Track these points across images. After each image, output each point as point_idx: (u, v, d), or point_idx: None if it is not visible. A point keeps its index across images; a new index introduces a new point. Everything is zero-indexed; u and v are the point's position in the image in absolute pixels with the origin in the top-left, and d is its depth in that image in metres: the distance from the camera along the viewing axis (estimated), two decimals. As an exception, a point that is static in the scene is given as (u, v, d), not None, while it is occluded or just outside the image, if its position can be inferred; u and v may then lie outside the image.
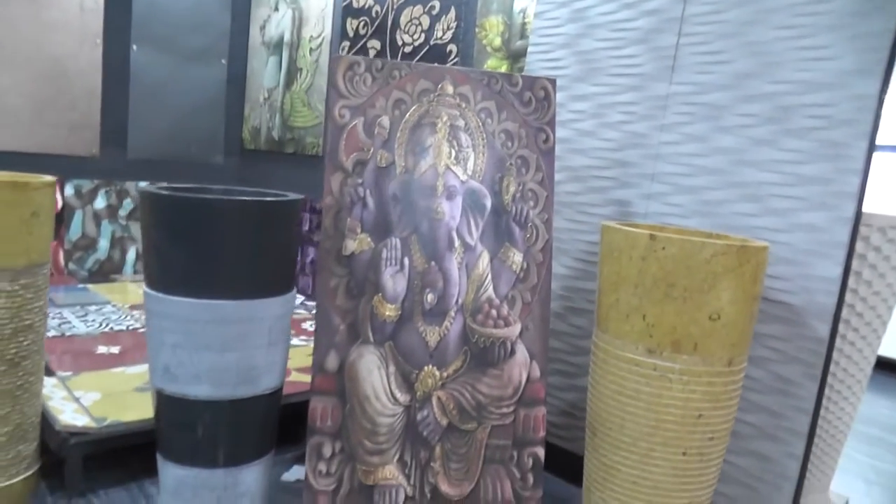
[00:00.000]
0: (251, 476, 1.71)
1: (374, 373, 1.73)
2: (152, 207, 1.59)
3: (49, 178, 1.74)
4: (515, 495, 1.77)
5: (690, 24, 1.98)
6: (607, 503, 1.69)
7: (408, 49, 2.81)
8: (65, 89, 3.27)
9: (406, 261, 1.76)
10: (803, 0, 1.79)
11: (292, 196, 1.69)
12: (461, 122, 1.83)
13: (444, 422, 1.75)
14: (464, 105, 1.84)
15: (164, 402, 1.65)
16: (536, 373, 1.80)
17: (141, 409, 1.93)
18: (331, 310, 1.73)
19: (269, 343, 1.66)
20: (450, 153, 1.81)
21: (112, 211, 3.46)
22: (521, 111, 1.87)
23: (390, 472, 1.72)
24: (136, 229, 3.55)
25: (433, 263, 1.77)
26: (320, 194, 3.18)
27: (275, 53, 3.50)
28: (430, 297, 1.77)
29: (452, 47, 2.65)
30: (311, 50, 3.27)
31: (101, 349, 2.44)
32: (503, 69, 2.53)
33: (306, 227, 3.36)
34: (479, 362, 1.78)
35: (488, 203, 1.82)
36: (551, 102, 1.89)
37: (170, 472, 1.68)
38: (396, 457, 1.73)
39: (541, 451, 1.80)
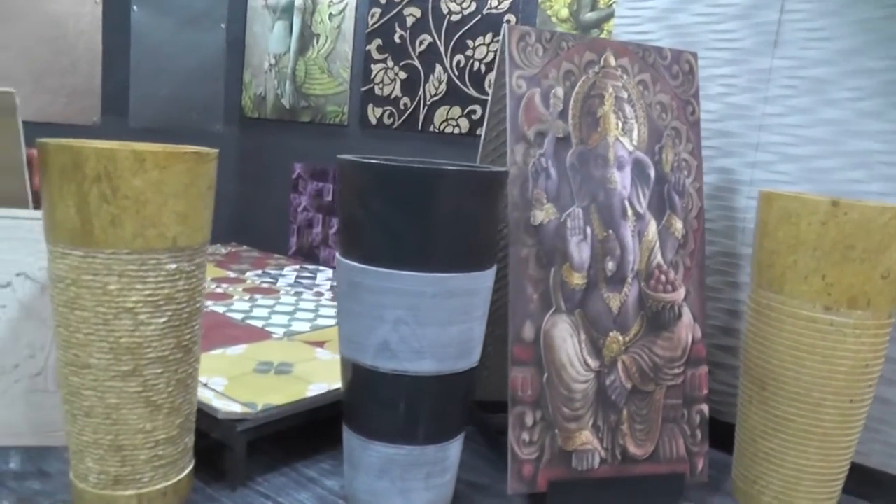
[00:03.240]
0: (455, 450, 1.71)
1: (567, 341, 1.77)
2: (377, 179, 1.52)
3: (213, 150, 1.62)
4: (687, 451, 1.88)
5: (793, 2, 2.13)
6: (777, 452, 1.83)
7: (455, 17, 2.78)
8: (64, 51, 2.93)
9: (588, 230, 1.81)
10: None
11: (501, 168, 1.68)
12: (624, 94, 1.89)
13: (629, 385, 1.82)
14: (625, 77, 1.89)
15: (377, 381, 1.60)
16: (698, 333, 1.91)
17: (281, 392, 1.84)
18: (524, 280, 1.74)
19: (482, 315, 1.65)
20: (617, 124, 1.86)
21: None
22: (671, 84, 1.95)
23: (586, 437, 1.77)
24: None
25: (610, 232, 1.83)
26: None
27: (283, 18, 3.31)
28: (610, 265, 1.82)
29: (511, 17, 2.66)
30: (330, 15, 3.13)
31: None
32: (571, 40, 2.58)
33: (330, 198, 3.24)
34: (654, 326, 1.86)
35: (652, 173, 1.89)
36: (695, 76, 1.98)
37: (375, 452, 1.64)
38: (591, 422, 1.78)
39: (706, 408, 1.91)
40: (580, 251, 1.79)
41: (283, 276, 3.05)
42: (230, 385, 1.90)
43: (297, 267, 3.23)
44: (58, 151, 1.43)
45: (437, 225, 1.52)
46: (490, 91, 1.96)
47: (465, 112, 2.81)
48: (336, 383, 1.92)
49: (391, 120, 3.03)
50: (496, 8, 2.67)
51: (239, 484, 1.74)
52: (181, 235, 1.51)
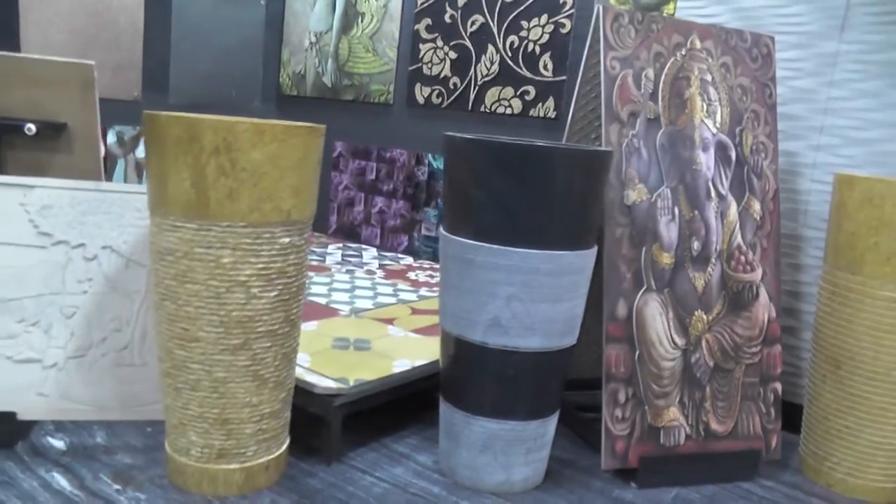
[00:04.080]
0: (552, 426, 1.73)
1: (657, 319, 1.79)
2: (494, 157, 1.53)
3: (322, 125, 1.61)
4: (762, 429, 1.91)
5: (861, -11, 2.15)
6: (851, 430, 1.87)
7: (509, -2, 2.78)
8: (108, 25, 2.89)
9: (676, 210, 1.82)
10: None
11: (607, 148, 1.69)
12: (708, 77, 1.90)
13: (712, 363, 1.85)
14: (709, 60, 1.91)
15: (486, 357, 1.61)
16: (773, 313, 1.94)
17: (369, 368, 1.84)
18: (618, 259, 1.76)
19: (584, 293, 1.67)
20: (702, 106, 1.88)
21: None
22: (751, 66, 1.97)
23: (674, 414, 1.80)
24: None
25: (696, 213, 1.85)
26: (385, 143, 3.09)
27: (325, -4, 3.29)
28: (695, 245, 1.84)
29: (566, -1, 2.66)
30: (377, -6, 3.12)
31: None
32: (629, 22, 2.58)
33: (373, 176, 3.23)
34: (734, 306, 1.89)
35: (734, 155, 1.91)
36: (773, 59, 2.00)
37: (478, 427, 1.66)
38: (678, 399, 1.81)
39: (779, 386, 1.95)
40: (669, 231, 1.81)
41: (329, 254, 3.04)
42: (314, 361, 1.89)
43: (341, 245, 3.23)
44: (173, 124, 1.42)
45: (551, 202, 1.53)
46: (580, 71, 1.96)
47: (517, 93, 2.81)
48: (419, 360, 1.92)
49: (440, 99, 3.02)
50: (552, -13, 2.67)
51: (333, 459, 1.75)
52: (294, 209, 1.51)
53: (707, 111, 1.88)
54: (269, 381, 1.57)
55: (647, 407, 1.77)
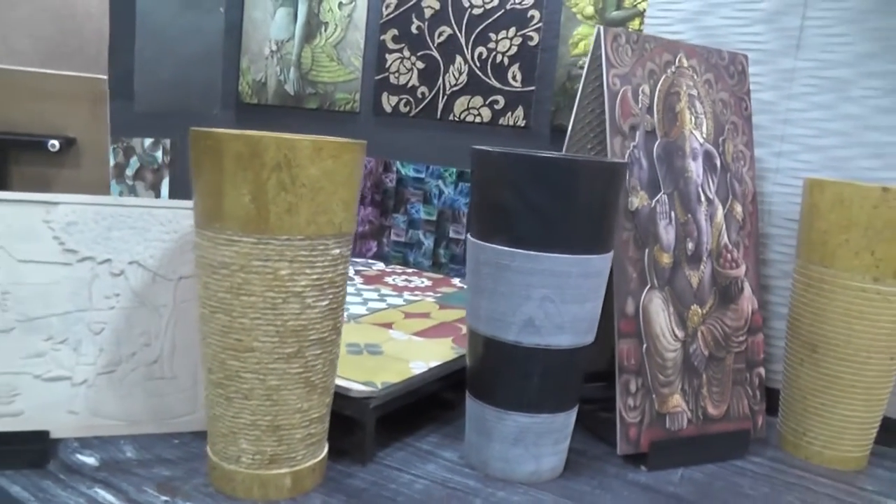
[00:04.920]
0: (573, 417, 1.86)
1: (660, 314, 1.95)
2: (531, 169, 1.64)
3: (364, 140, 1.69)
4: (750, 410, 2.10)
5: (813, 9, 2.38)
6: (826, 406, 2.08)
7: (477, 11, 2.88)
8: (72, 33, 2.82)
9: (672, 214, 1.99)
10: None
11: (622, 160, 1.82)
12: (694, 92, 2.07)
13: (706, 353, 2.02)
14: (695, 76, 2.08)
15: (519, 355, 1.73)
16: (755, 304, 2.13)
17: (390, 371, 1.91)
18: (625, 260, 1.91)
19: (603, 293, 1.80)
20: (691, 119, 2.05)
21: (119, 170, 3.06)
22: (729, 82, 2.15)
23: (677, 401, 1.96)
24: (141, 190, 3.19)
25: (689, 216, 2.01)
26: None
27: (286, 5, 3.29)
28: (690, 246, 2.01)
29: (534, 13, 2.79)
30: (340, 4, 3.15)
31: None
32: (597, 37, 2.74)
33: None
34: (723, 299, 2.07)
35: (718, 163, 2.09)
36: (746, 75, 2.20)
37: (511, 422, 1.77)
38: (679, 386, 1.97)
39: (763, 371, 2.14)
40: (667, 233, 1.97)
41: (303, 262, 3.07)
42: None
43: (310, 253, 3.26)
44: (233, 140, 1.47)
45: (581, 210, 1.66)
46: (580, 87, 2.10)
47: (486, 102, 2.93)
48: (432, 361, 2.01)
49: (408, 108, 3.11)
50: (519, 3, 2.81)
51: (368, 460, 1.82)
52: (344, 222, 1.58)
53: (695, 123, 2.05)
54: (318, 386, 1.63)
55: (654, 395, 1.92)
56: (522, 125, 2.87)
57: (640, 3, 2.64)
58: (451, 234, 3.07)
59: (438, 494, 1.72)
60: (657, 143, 1.98)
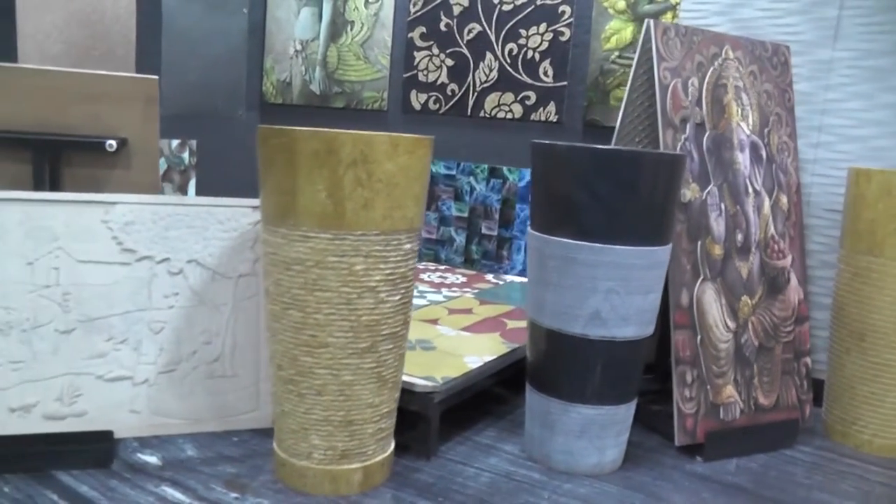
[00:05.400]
0: (633, 409, 1.87)
1: (713, 305, 1.96)
2: (599, 163, 1.65)
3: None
4: (798, 400, 2.12)
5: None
6: (877, 395, 2.10)
7: (507, 8, 2.89)
8: (101, 36, 2.82)
9: (722, 206, 2.00)
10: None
11: (681, 152, 1.84)
12: (740, 83, 2.09)
13: (757, 343, 2.04)
14: (740, 68, 2.10)
15: (585, 347, 1.73)
16: (801, 294, 2.15)
17: (447, 366, 1.91)
18: (680, 252, 1.92)
19: (663, 284, 1.81)
20: (737, 111, 2.06)
21: (149, 173, 3.04)
22: (772, 73, 2.17)
23: (730, 391, 1.97)
24: (169, 191, 3.18)
25: (738, 207, 2.03)
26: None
27: (310, 4, 3.29)
28: (739, 237, 2.02)
29: (565, 8, 2.80)
30: (366, 3, 3.15)
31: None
32: (628, 32, 2.76)
33: None
34: (771, 290, 2.08)
35: (764, 154, 2.11)
36: (789, 66, 2.21)
37: (576, 414, 1.78)
38: (732, 377, 1.98)
39: (809, 360, 2.16)
40: (718, 225, 1.98)
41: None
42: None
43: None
44: (309, 138, 1.47)
45: (646, 202, 1.67)
46: (629, 81, 2.10)
47: (518, 98, 2.94)
48: (486, 355, 2.02)
49: (437, 105, 3.11)
50: (550, -1, 2.82)
51: (432, 454, 1.83)
52: (416, 217, 1.59)
53: (741, 115, 2.07)
54: (388, 381, 1.63)
55: (708, 386, 1.94)
56: (554, 120, 2.88)
57: (673, -4, 2.65)
58: (484, 231, 3.08)
59: (506, 487, 1.73)
60: (706, 135, 2.00)
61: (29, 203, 1.74)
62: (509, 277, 2.97)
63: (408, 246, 1.58)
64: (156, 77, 1.95)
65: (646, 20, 1.97)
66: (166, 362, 1.80)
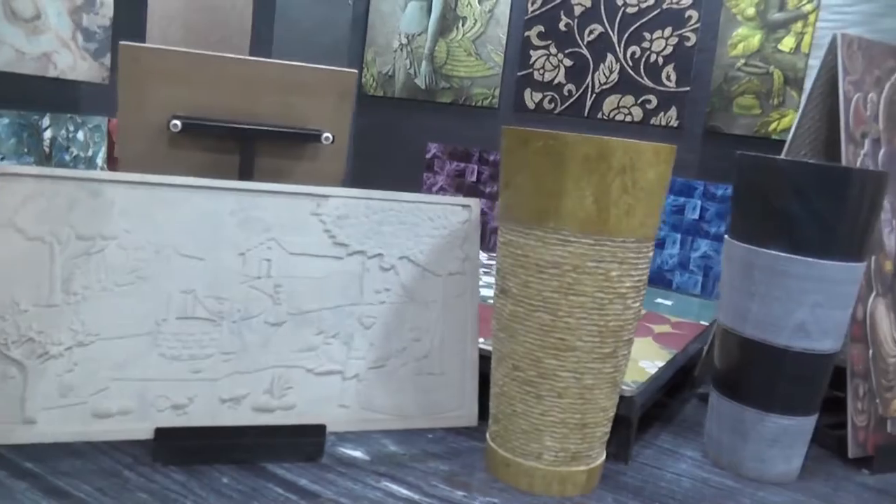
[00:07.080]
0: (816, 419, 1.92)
1: (884, 321, 2.03)
2: (816, 178, 1.70)
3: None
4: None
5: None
6: None
7: (631, 10, 2.92)
8: (220, 22, 2.77)
9: (894, 221, 2.06)
10: None
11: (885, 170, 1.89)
12: (910, 102, 2.15)
13: (916, 356, 2.11)
14: (910, 87, 2.16)
15: (788, 359, 1.78)
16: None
17: (631, 371, 1.95)
18: (861, 268, 1.98)
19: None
20: (906, 130, 2.13)
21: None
22: (931, 95, 2.24)
23: (896, 403, 2.05)
24: None
25: (905, 225, 2.09)
26: (487, 146, 3.12)
27: None
28: (905, 254, 2.09)
29: (692, 13, 2.83)
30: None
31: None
32: (756, 40, 2.81)
33: (474, 178, 3.27)
34: (928, 305, 2.15)
35: (924, 173, 2.17)
36: (944, 88, 2.28)
37: (771, 423, 1.82)
38: (897, 389, 2.05)
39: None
40: (890, 240, 2.05)
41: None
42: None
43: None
44: (582, 143, 1.49)
45: (856, 218, 1.72)
46: (805, 94, 2.15)
47: (638, 101, 2.97)
48: (657, 360, 2.06)
49: (552, 105, 3.13)
50: (676, 3, 2.85)
51: (630, 457, 1.86)
52: (658, 226, 1.62)
53: (909, 134, 2.13)
54: (618, 386, 1.66)
55: (878, 399, 2.00)
56: (675, 125, 2.92)
57: (804, 4, 2.70)
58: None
59: (709, 493, 1.77)
60: (882, 150, 2.05)
61: (241, 193, 1.73)
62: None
63: (651, 254, 1.61)
64: (355, 71, 1.93)
65: (833, 33, 2.02)
66: (376, 358, 1.80)
